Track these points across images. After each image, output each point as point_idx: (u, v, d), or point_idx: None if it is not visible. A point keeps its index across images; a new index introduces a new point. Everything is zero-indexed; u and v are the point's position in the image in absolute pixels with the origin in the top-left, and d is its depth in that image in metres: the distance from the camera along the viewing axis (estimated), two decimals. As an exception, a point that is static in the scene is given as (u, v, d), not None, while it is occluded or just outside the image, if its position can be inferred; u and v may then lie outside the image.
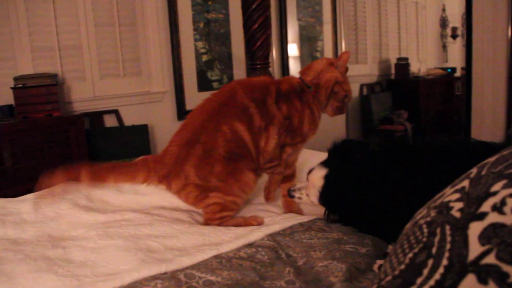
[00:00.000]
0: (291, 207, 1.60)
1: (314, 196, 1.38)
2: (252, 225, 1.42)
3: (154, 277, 0.97)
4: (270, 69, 4.13)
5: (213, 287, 0.91)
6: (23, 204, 1.50)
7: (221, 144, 1.41)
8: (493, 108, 3.74)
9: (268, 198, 1.70)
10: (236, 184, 1.43)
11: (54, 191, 1.50)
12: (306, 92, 1.56)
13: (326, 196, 1.36)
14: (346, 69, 1.62)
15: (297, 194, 1.46)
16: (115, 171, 1.43)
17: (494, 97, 3.72)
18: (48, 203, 1.48)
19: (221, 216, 1.44)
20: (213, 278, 0.95)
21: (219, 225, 1.42)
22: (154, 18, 4.06)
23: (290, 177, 1.68)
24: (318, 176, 1.37)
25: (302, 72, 1.62)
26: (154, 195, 1.62)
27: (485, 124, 3.80)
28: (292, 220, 1.37)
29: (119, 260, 1.10)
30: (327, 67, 1.58)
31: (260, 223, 1.43)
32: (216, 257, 1.08)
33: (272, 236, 1.22)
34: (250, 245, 1.15)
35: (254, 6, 2.25)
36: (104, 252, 1.14)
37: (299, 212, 1.58)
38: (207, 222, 1.46)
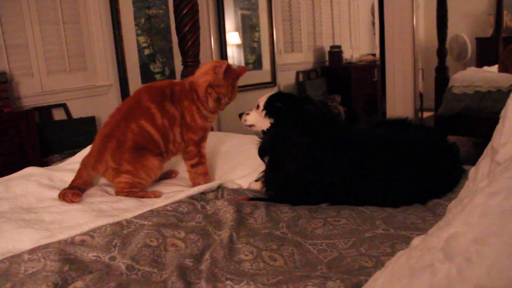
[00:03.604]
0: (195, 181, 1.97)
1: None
2: (150, 197, 1.82)
3: (105, 225, 1.37)
4: (209, 57, 4.56)
5: (144, 226, 1.34)
6: (-4, 185, 1.84)
7: (130, 138, 1.82)
8: (404, 93, 4.27)
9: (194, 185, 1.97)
10: (142, 169, 1.83)
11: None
12: (193, 90, 1.90)
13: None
14: (232, 77, 1.88)
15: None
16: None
17: (404, 83, 4.25)
18: (16, 184, 1.84)
19: (128, 191, 1.83)
20: (145, 222, 1.38)
21: (126, 195, 1.81)
22: (97, 15, 4.30)
23: None
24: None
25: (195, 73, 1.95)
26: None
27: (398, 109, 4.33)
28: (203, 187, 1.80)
29: (79, 217, 1.52)
30: (209, 70, 1.87)
31: (157, 196, 1.83)
32: (150, 211, 1.50)
33: (191, 196, 1.67)
34: (175, 202, 1.58)
35: (185, 11, 2.60)
36: (67, 214, 1.55)
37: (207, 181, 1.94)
38: (117, 194, 1.85)
